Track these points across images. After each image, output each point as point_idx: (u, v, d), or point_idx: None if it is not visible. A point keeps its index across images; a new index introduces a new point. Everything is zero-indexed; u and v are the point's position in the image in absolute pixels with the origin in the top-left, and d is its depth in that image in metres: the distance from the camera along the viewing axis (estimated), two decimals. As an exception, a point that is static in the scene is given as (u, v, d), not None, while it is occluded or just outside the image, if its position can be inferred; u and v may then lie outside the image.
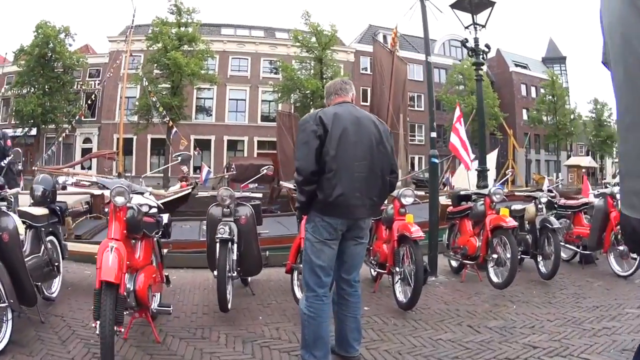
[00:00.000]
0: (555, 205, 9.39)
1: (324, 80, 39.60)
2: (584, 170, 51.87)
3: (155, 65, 39.76)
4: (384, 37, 50.60)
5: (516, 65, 66.25)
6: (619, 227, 8.07)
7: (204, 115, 51.82)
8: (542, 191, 9.87)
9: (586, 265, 9.10)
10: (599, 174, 66.90)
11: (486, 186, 9.44)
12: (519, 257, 7.56)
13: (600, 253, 8.87)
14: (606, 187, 9.38)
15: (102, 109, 47.33)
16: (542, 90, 60.23)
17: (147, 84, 38.29)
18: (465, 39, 10.18)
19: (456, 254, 8.52)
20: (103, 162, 41.19)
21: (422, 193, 15.44)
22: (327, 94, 4.79)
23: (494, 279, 7.45)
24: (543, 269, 8.13)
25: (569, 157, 64.13)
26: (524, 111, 63.94)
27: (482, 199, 8.16)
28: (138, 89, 41.30)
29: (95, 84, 47.30)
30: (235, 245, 6.33)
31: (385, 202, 5.95)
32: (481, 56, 10.43)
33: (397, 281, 6.59)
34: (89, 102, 41.78)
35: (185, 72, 38.26)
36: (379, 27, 58.64)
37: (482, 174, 10.09)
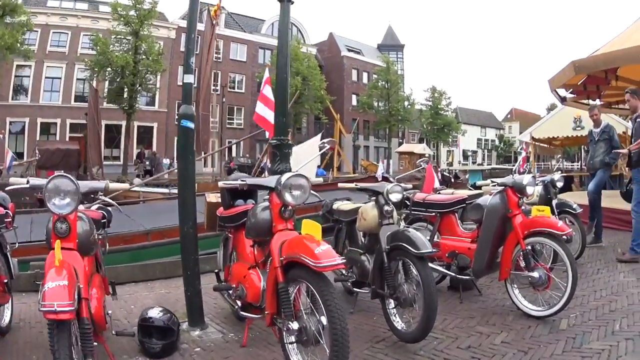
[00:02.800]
0: (408, 203, 5.82)
1: (138, 56, 37.81)
2: (427, 155, 50.09)
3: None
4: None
5: (349, 50, 65.26)
6: (529, 240, 4.89)
7: (23, 95, 45.77)
8: (387, 180, 7.44)
9: (465, 292, 5.70)
10: (433, 161, 66.63)
11: (285, 171, 5.29)
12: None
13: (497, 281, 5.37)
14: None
15: None
16: (375, 76, 59.51)
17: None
18: None
19: (231, 294, 4.67)
20: None
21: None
22: None
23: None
24: (399, 323, 4.39)
25: (400, 144, 63.88)
26: (354, 97, 62.90)
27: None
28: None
29: None
30: None
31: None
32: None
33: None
34: None
35: (-1, 45, 33.80)
36: (206, 3, 54.67)
37: (280, 150, 5.62)
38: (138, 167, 36.04)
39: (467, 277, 5.38)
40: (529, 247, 4.81)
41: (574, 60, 10.52)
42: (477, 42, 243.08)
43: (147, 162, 36.16)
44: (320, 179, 25.07)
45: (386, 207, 4.68)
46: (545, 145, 23.50)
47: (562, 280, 4.60)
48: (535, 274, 4.69)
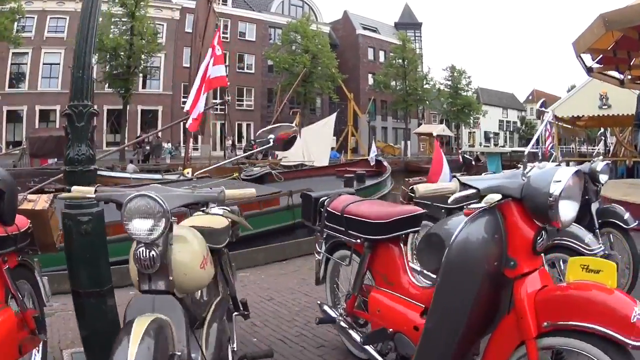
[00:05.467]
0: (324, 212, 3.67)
1: (134, 37, 36.56)
2: (435, 136, 46.09)
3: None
4: (213, -9, 45.83)
5: (364, 29, 62.89)
6: (549, 340, 2.13)
7: (21, 83, 45.00)
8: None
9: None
10: (454, 143, 65.31)
11: (78, 160, 3.06)
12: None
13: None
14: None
15: None
16: (391, 54, 57.32)
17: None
18: None
19: None
20: None
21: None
22: None
23: None
24: None
25: (420, 125, 61.52)
26: (370, 76, 60.38)
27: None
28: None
29: None
30: None
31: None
32: None
33: None
34: None
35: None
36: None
37: (72, 126, 3.19)
38: (137, 152, 34.68)
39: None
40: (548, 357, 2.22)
41: (603, 14, 8.20)
42: (497, 21, 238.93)
43: (147, 147, 34.87)
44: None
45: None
46: (569, 126, 21.01)
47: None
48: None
